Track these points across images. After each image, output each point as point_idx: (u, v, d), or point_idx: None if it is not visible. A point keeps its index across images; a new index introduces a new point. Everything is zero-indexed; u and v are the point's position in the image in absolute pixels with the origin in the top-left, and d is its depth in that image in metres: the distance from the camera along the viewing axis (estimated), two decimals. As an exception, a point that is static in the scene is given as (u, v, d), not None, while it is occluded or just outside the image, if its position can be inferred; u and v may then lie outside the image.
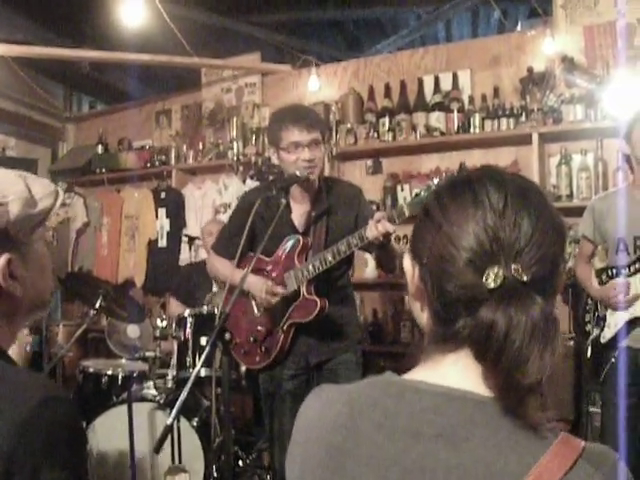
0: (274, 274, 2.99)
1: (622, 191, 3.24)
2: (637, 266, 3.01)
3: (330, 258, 2.78)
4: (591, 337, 3.22)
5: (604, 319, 3.15)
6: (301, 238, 2.93)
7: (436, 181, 2.53)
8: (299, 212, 3.01)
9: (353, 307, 3.25)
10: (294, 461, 0.95)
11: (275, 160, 2.97)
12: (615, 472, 0.82)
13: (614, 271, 3.13)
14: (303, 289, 2.89)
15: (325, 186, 3.03)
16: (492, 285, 0.81)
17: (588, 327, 3.26)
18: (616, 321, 3.07)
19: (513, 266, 0.82)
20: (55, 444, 1.03)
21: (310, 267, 2.85)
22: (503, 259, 0.82)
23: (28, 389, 1.07)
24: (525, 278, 0.81)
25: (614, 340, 3.07)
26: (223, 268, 3.12)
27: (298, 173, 2.81)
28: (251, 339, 3.05)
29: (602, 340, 3.13)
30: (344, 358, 3.01)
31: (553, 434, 0.83)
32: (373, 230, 2.58)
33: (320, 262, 2.82)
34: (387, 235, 2.60)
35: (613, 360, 3.02)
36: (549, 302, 0.84)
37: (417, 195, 2.63)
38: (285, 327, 2.95)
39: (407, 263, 0.96)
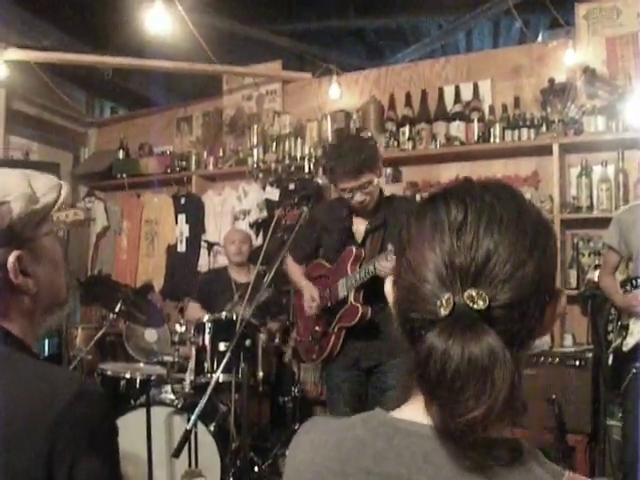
0: (331, 281, 3.24)
1: None
2: None
3: (372, 268, 2.97)
4: (613, 345, 3.26)
5: (627, 327, 3.18)
6: (354, 248, 3.14)
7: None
8: (359, 225, 3.22)
9: None
10: None
11: (327, 181, 3.25)
12: None
13: (639, 281, 3.16)
14: (351, 296, 3.10)
15: (384, 202, 3.21)
16: (442, 313, 0.74)
17: (610, 336, 3.28)
18: (639, 329, 3.10)
19: (468, 292, 0.74)
20: (92, 436, 1.06)
21: (357, 276, 3.08)
22: (458, 284, 0.76)
23: (63, 384, 1.09)
24: (481, 304, 0.74)
25: (637, 349, 3.09)
26: (293, 272, 3.52)
27: (320, 181, 2.92)
28: (310, 338, 3.35)
29: (624, 348, 3.16)
30: (393, 363, 3.14)
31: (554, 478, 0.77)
32: (381, 266, 2.88)
33: (365, 272, 3.04)
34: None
35: (634, 370, 3.05)
36: (519, 331, 0.76)
37: None
38: (335, 330, 3.20)
39: (388, 288, 0.90)
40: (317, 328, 3.32)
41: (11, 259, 1.13)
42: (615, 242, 3.29)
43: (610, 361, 3.30)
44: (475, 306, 0.73)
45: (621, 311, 3.28)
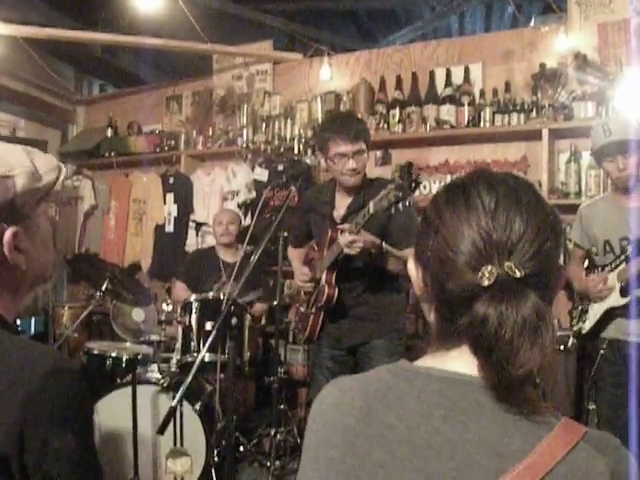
0: (316, 263, 3.28)
1: (607, 197, 3.39)
2: (617, 262, 3.18)
3: (335, 247, 2.98)
4: (574, 329, 3.41)
5: (586, 312, 3.32)
6: (330, 231, 3.12)
7: (396, 179, 2.58)
8: (340, 208, 3.22)
9: (396, 297, 3.33)
10: (309, 446, 0.99)
11: (323, 164, 3.17)
12: (618, 456, 0.86)
13: (600, 269, 3.29)
14: (323, 277, 3.10)
15: (366, 184, 3.18)
16: (486, 283, 0.85)
17: (573, 322, 3.44)
18: (595, 313, 3.25)
19: (506, 264, 0.85)
20: (64, 413, 1.06)
21: (328, 257, 3.08)
22: (497, 258, 0.86)
23: (37, 360, 1.08)
24: (518, 274, 0.85)
25: (594, 332, 3.25)
26: (292, 258, 3.61)
27: (308, 161, 2.91)
28: (297, 318, 3.50)
29: (583, 332, 3.31)
30: (376, 343, 3.16)
31: (556, 418, 0.87)
32: (341, 239, 2.85)
33: (332, 254, 3.03)
34: (350, 244, 2.81)
35: (602, 352, 3.19)
36: (545, 297, 0.87)
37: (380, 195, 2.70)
38: (313, 310, 3.21)
39: (411, 267, 1.01)
40: (302, 309, 3.38)
41: (8, 234, 1.13)
42: (577, 236, 3.42)
43: (570, 344, 3.50)
44: (516, 275, 0.85)
45: (582, 297, 3.41)
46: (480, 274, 0.85)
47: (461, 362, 0.92)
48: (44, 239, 1.23)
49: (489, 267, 0.85)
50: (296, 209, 3.48)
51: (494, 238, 0.88)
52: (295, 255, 3.58)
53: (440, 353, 0.96)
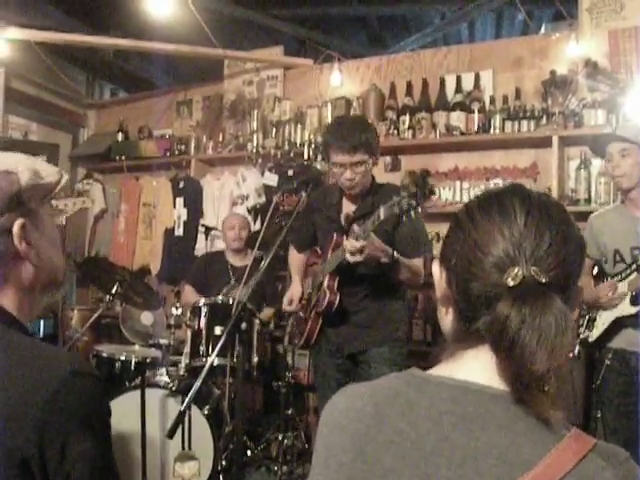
0: (319, 267, 3.23)
1: (617, 207, 3.40)
2: (628, 272, 3.17)
3: (340, 253, 2.92)
4: (581, 337, 3.38)
5: (594, 320, 3.32)
6: (335, 235, 3.08)
7: (409, 186, 2.52)
8: (347, 211, 3.15)
9: (398, 305, 3.26)
10: (320, 451, 1.00)
11: (326, 167, 3.08)
12: (627, 468, 0.86)
13: (609, 278, 3.28)
14: (325, 282, 3.04)
15: (374, 190, 3.13)
16: (511, 283, 0.87)
17: (580, 330, 3.41)
18: (603, 321, 3.24)
19: (533, 268, 0.88)
20: (84, 416, 1.07)
21: (331, 261, 3.03)
22: (524, 262, 0.89)
23: (57, 363, 1.09)
24: (544, 279, 0.87)
25: (601, 340, 3.24)
26: (291, 263, 3.57)
27: (319, 167, 2.89)
28: (294, 323, 3.47)
29: (590, 340, 3.30)
30: (377, 351, 3.10)
31: (566, 429, 0.88)
32: (347, 245, 2.75)
33: (336, 257, 2.97)
34: (357, 251, 2.72)
35: (608, 362, 3.18)
36: (566, 304, 0.89)
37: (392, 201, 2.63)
38: (312, 315, 3.15)
39: (435, 268, 1.04)
40: (300, 314, 3.36)
41: (17, 224, 1.15)
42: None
43: (576, 352, 3.43)
44: (541, 280, 0.88)
45: (590, 306, 3.39)
46: (506, 275, 0.88)
47: (477, 363, 0.94)
48: (52, 238, 1.25)
49: (515, 269, 0.88)
50: (302, 211, 3.40)
51: (523, 245, 0.90)
52: (295, 261, 3.51)
53: (454, 357, 0.98)
